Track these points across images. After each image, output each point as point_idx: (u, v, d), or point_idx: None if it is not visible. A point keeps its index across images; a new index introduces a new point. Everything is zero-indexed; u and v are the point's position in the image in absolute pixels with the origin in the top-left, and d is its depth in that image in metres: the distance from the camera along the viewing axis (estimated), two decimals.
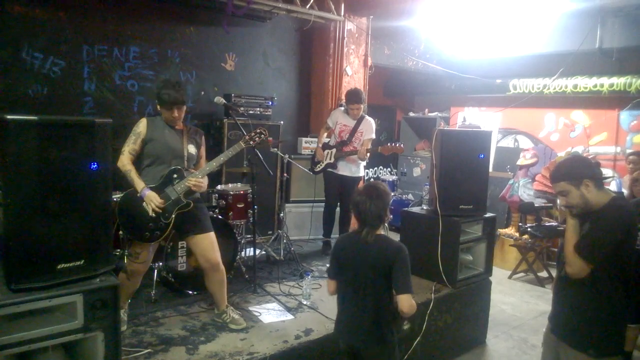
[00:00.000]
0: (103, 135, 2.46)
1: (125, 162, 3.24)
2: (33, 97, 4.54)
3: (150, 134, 3.33)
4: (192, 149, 3.46)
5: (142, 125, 3.34)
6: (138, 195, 3.21)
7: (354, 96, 5.31)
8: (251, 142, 3.67)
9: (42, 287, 2.26)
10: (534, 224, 3.11)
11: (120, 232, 3.28)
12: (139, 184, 3.22)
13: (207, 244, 3.41)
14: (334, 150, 5.31)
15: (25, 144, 2.19)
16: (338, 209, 5.60)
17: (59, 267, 2.31)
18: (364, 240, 2.60)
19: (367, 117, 5.41)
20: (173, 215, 3.28)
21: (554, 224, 3.16)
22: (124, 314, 3.34)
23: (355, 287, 2.65)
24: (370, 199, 2.61)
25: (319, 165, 5.35)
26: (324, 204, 5.61)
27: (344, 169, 5.31)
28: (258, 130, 3.69)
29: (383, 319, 2.64)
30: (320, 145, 5.41)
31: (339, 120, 5.40)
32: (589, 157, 5.61)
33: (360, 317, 2.64)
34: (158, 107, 3.38)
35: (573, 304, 2.54)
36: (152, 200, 3.20)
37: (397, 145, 5.23)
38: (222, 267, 3.48)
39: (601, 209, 2.40)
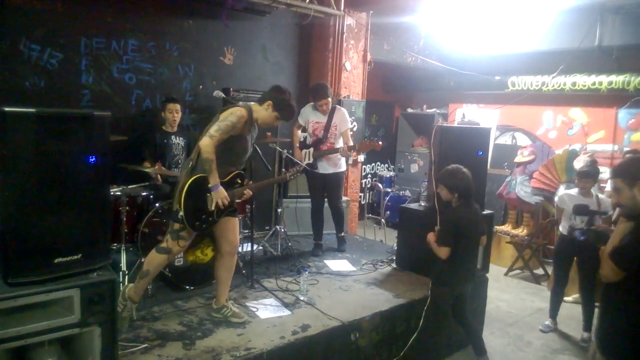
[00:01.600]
0: (101, 128, 2.45)
1: (211, 150, 3.11)
2: (30, 89, 4.50)
3: (242, 131, 3.28)
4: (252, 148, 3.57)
5: (241, 120, 3.23)
6: (209, 186, 3.18)
7: (320, 91, 5.06)
8: (291, 178, 4.05)
9: (39, 281, 2.26)
10: (584, 227, 3.13)
11: (181, 214, 3.18)
12: (216, 177, 3.17)
13: (233, 226, 3.50)
14: (311, 149, 5.15)
15: (23, 137, 2.18)
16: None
17: (56, 261, 2.31)
18: (476, 210, 3.67)
19: (338, 107, 5.21)
20: (222, 215, 3.35)
21: (604, 228, 3.19)
22: (134, 312, 3.33)
23: (472, 246, 3.71)
24: (469, 176, 3.55)
25: (297, 167, 5.23)
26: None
27: (325, 168, 5.15)
28: (297, 168, 4.07)
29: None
30: (297, 144, 5.27)
31: (310, 117, 5.21)
32: (587, 154, 5.62)
33: (473, 267, 3.87)
34: (270, 108, 3.35)
35: (614, 315, 2.40)
36: (222, 198, 3.20)
37: (375, 141, 5.13)
38: (236, 253, 3.59)
39: None
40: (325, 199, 5.38)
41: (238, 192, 3.41)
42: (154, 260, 3.31)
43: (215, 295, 3.59)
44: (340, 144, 5.15)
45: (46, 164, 2.25)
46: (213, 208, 3.24)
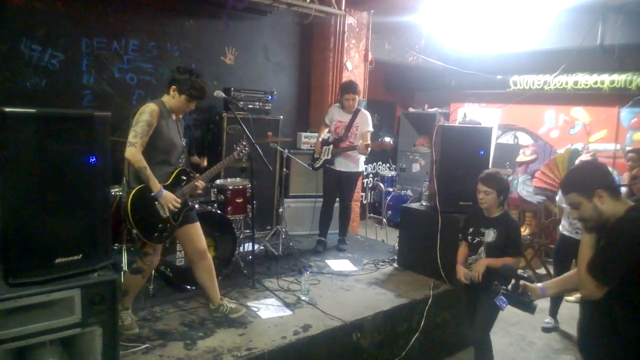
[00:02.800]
0: (102, 129, 2.45)
1: (139, 157, 2.98)
2: (31, 90, 4.51)
3: (159, 125, 3.11)
4: (182, 141, 3.42)
5: (154, 115, 3.06)
6: (152, 194, 3.07)
7: (347, 86, 5.26)
8: (240, 155, 3.82)
9: (40, 281, 2.25)
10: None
11: (135, 231, 3.13)
12: (155, 183, 3.06)
13: (194, 232, 3.37)
14: (331, 146, 5.25)
15: (24, 137, 2.18)
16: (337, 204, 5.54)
17: (56, 261, 2.30)
18: None
19: (362, 110, 5.33)
20: (180, 217, 3.25)
21: None
22: (132, 315, 3.32)
23: None
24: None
25: (317, 161, 5.31)
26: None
27: (342, 165, 5.25)
28: (244, 144, 3.85)
29: None
30: (320, 140, 5.38)
31: (335, 116, 5.34)
32: (589, 153, 5.61)
33: None
34: (176, 93, 3.17)
35: (590, 333, 2.27)
36: (170, 202, 3.10)
37: (388, 141, 5.19)
38: (209, 256, 3.47)
39: (615, 223, 2.12)
40: (337, 197, 5.44)
41: (188, 188, 3.29)
42: (130, 281, 3.30)
43: (209, 299, 3.56)
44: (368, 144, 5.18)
45: (47, 164, 2.24)
46: (167, 214, 3.13)
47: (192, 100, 3.23)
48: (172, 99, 3.21)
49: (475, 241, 3.55)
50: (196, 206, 3.83)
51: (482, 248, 3.52)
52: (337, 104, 5.43)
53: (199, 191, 3.39)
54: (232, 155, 3.79)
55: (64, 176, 2.31)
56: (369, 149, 5.07)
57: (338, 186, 5.33)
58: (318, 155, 5.29)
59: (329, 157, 5.23)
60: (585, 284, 2.14)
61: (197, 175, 3.47)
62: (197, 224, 3.40)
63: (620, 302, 2.11)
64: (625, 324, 2.11)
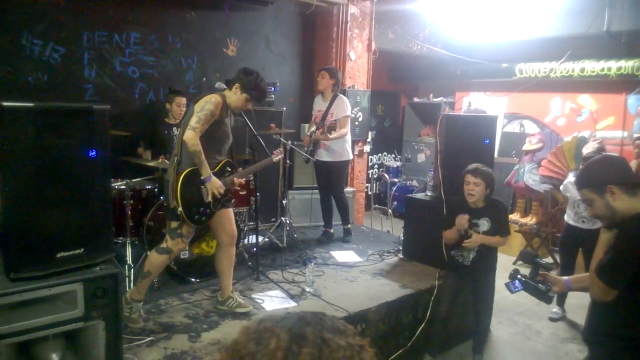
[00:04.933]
0: (101, 122, 2.44)
1: (197, 141, 3.11)
2: (33, 84, 4.50)
3: (220, 117, 3.28)
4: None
5: (218, 106, 3.22)
6: (202, 178, 3.20)
7: (323, 69, 5.28)
8: (277, 160, 4.00)
9: (42, 276, 2.25)
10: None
11: (180, 209, 3.18)
12: (207, 168, 3.20)
13: (229, 216, 3.51)
14: (312, 137, 5.19)
15: (22, 131, 2.18)
16: None
17: (58, 255, 2.31)
18: None
19: (340, 96, 5.22)
20: (219, 205, 3.36)
21: None
22: (142, 309, 3.33)
23: None
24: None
25: (308, 154, 5.25)
26: None
27: (323, 155, 5.20)
28: (281, 149, 4.06)
29: None
30: (308, 133, 5.31)
31: (315, 106, 5.31)
32: (596, 141, 5.54)
33: None
34: (238, 91, 3.31)
35: (597, 328, 2.18)
36: (217, 188, 3.24)
37: (333, 124, 5.12)
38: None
39: (624, 221, 2.01)
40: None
41: (229, 180, 3.43)
42: (155, 261, 3.32)
43: (220, 288, 3.59)
44: (336, 132, 5.09)
45: (46, 158, 2.24)
46: (210, 199, 3.25)
47: (252, 100, 3.40)
48: (233, 95, 3.36)
49: (468, 234, 3.64)
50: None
51: None
52: (320, 94, 5.35)
53: (236, 187, 3.57)
54: (269, 159, 3.96)
55: (64, 170, 2.31)
56: (332, 134, 5.00)
57: (327, 176, 5.29)
58: (307, 148, 5.23)
59: (312, 147, 5.17)
60: (592, 284, 2.08)
61: (240, 169, 3.61)
62: (231, 210, 3.56)
63: (625, 304, 2.03)
64: (628, 326, 2.04)
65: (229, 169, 3.48)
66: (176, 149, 3.27)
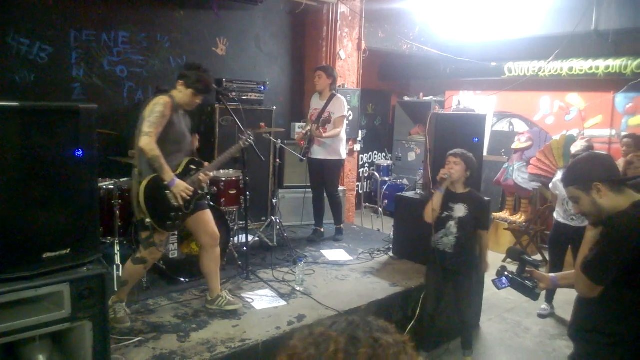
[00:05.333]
0: (88, 121, 2.42)
1: (154, 145, 3.04)
2: (20, 84, 4.47)
3: (172, 117, 3.20)
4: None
5: (167, 107, 3.14)
6: (165, 183, 3.12)
7: (319, 67, 5.27)
8: (246, 144, 3.80)
9: (28, 276, 2.23)
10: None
11: (148, 220, 3.15)
12: (168, 172, 3.11)
13: (207, 218, 3.45)
14: (308, 134, 5.21)
15: (7, 131, 2.15)
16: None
17: (44, 256, 2.29)
18: None
19: (337, 95, 5.23)
20: (191, 206, 3.30)
21: None
22: (126, 308, 3.32)
23: None
24: None
25: (302, 152, 5.26)
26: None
27: (319, 153, 5.20)
28: (249, 132, 3.84)
29: None
30: (302, 132, 5.32)
31: (312, 105, 5.32)
32: (584, 139, 5.59)
33: None
34: (183, 87, 3.25)
35: (582, 323, 2.19)
36: (183, 191, 3.16)
37: (320, 131, 5.15)
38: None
39: (609, 219, 2.02)
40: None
41: (196, 178, 3.34)
42: (131, 271, 3.30)
43: (209, 289, 3.58)
44: (331, 131, 5.11)
45: (31, 158, 2.22)
46: (180, 202, 3.18)
47: (198, 94, 3.30)
48: (179, 93, 3.29)
49: (443, 215, 3.57)
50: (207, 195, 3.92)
51: (451, 222, 3.56)
52: (316, 92, 5.36)
53: (204, 184, 3.43)
54: (237, 145, 3.78)
55: (50, 170, 2.29)
56: (330, 133, 5.04)
57: (321, 175, 5.30)
58: (301, 147, 5.25)
59: (307, 145, 5.19)
60: (577, 280, 2.09)
61: (206, 164, 3.51)
62: (209, 211, 3.49)
63: (610, 300, 2.04)
64: (613, 322, 2.06)
65: (194, 167, 3.37)
66: (135, 160, 3.20)
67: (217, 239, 3.50)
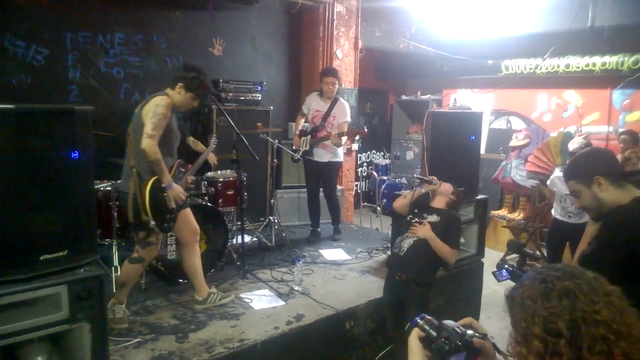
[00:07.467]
0: (84, 123, 2.42)
1: (157, 149, 3.01)
2: (17, 87, 4.46)
3: (170, 120, 3.18)
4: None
5: (169, 108, 3.11)
6: (164, 186, 3.11)
7: (327, 70, 5.23)
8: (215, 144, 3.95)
9: (25, 278, 2.23)
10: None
11: (152, 223, 3.13)
12: (167, 176, 3.12)
13: (188, 215, 3.43)
14: (309, 137, 5.17)
15: (3, 134, 2.15)
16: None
17: (41, 258, 2.29)
18: None
19: (341, 99, 5.22)
20: (180, 207, 3.31)
21: None
22: (125, 309, 3.32)
23: None
24: None
25: (297, 153, 5.24)
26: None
27: (320, 156, 5.18)
28: (214, 135, 3.98)
29: None
30: (297, 132, 5.28)
31: (312, 105, 5.25)
32: (581, 136, 5.60)
33: None
34: (183, 90, 3.21)
35: None
36: (179, 194, 3.18)
37: (361, 128, 5.21)
38: None
39: (609, 213, 2.00)
40: (321, 188, 5.37)
41: (184, 181, 3.40)
42: (129, 272, 3.30)
43: (196, 288, 3.56)
44: (345, 139, 5.13)
45: (27, 160, 2.22)
46: (173, 205, 3.19)
47: (197, 98, 3.29)
48: (177, 94, 3.24)
49: (413, 220, 3.42)
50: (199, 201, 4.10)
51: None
52: (316, 93, 5.30)
53: (190, 185, 3.48)
54: (208, 149, 3.89)
55: (46, 172, 2.29)
56: (344, 139, 5.02)
57: (319, 177, 5.28)
58: (297, 147, 5.22)
59: (307, 147, 5.16)
60: None
61: (189, 166, 3.52)
62: (188, 208, 3.47)
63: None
64: None
65: (182, 170, 3.42)
66: (132, 160, 3.14)
67: (198, 234, 3.50)
